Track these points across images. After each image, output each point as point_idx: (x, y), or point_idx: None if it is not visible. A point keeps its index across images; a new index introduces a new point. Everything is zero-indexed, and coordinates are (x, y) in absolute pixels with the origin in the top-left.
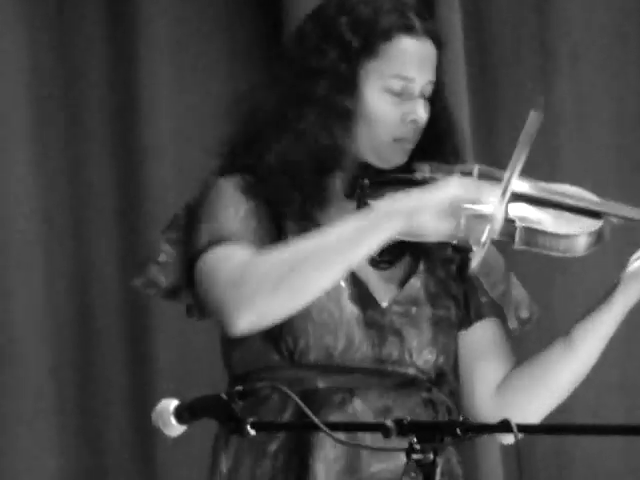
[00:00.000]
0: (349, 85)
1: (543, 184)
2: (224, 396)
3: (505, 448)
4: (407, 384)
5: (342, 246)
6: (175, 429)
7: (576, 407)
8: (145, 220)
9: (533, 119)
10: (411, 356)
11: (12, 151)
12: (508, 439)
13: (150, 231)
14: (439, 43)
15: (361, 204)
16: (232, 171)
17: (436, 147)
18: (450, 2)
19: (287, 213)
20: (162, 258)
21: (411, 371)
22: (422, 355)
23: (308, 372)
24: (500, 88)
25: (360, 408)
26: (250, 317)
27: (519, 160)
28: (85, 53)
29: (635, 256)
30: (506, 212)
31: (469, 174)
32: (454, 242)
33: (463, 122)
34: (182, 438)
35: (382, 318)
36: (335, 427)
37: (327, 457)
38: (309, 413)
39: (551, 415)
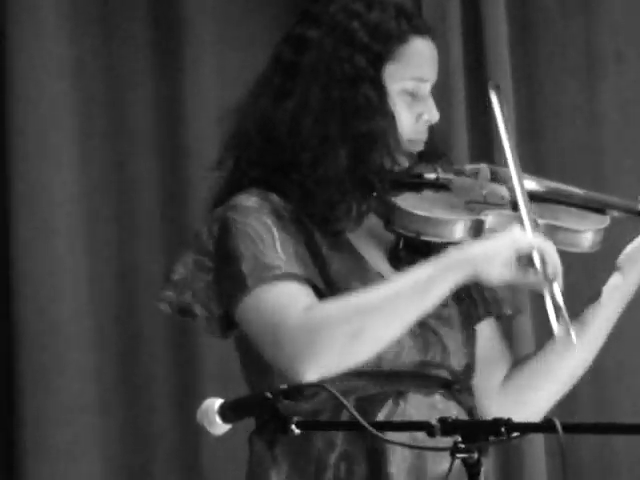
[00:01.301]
0: (383, 89)
1: (546, 181)
2: (269, 395)
3: (549, 445)
4: (447, 386)
5: (414, 295)
6: (220, 428)
7: (622, 407)
8: (189, 218)
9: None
10: (449, 358)
11: (57, 151)
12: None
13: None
14: (435, 41)
15: (378, 205)
16: (254, 184)
17: (428, 152)
18: (495, 3)
19: (318, 229)
20: (196, 284)
21: (443, 374)
22: (457, 357)
23: (359, 381)
24: (545, 89)
25: (413, 411)
26: (321, 370)
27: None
28: (129, 53)
29: (630, 245)
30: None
31: (476, 173)
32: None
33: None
34: (226, 437)
35: (423, 321)
36: (382, 427)
37: (396, 456)
38: (352, 411)
39: (596, 413)
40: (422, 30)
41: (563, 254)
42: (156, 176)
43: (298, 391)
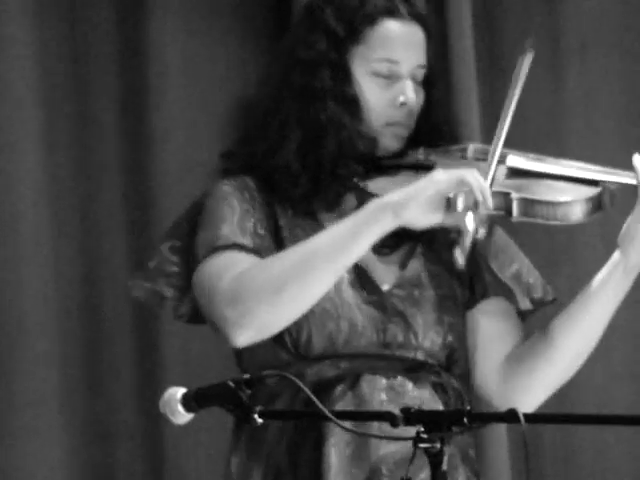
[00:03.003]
0: (344, 73)
1: (540, 156)
2: (231, 384)
3: (512, 437)
4: (416, 368)
5: (336, 248)
6: (182, 417)
7: (583, 397)
8: (154, 209)
9: (522, 63)
10: (416, 338)
11: (21, 139)
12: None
13: (159, 221)
14: (427, 28)
15: (357, 191)
16: (235, 173)
17: (434, 137)
18: None
19: (289, 213)
20: (169, 268)
21: (420, 355)
22: (428, 336)
23: (316, 365)
24: (509, 79)
25: (367, 391)
26: (250, 332)
27: (504, 126)
28: (94, 42)
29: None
30: (497, 190)
31: (464, 153)
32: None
33: (472, 112)
34: (190, 426)
35: (384, 302)
36: (343, 416)
37: (338, 443)
38: (316, 401)
39: (558, 405)
40: (397, 12)
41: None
42: (121, 164)
43: (260, 380)
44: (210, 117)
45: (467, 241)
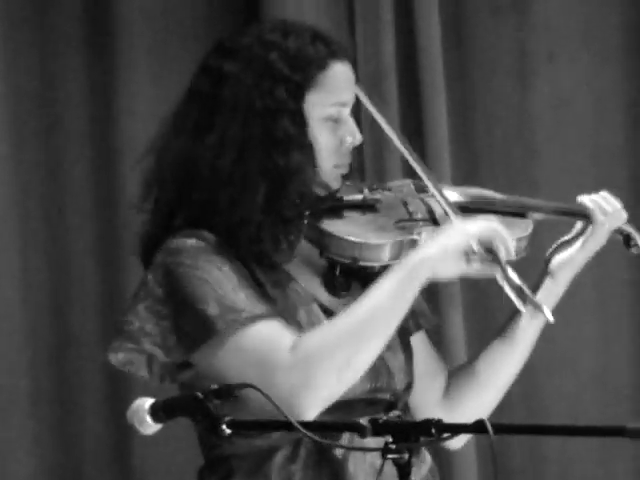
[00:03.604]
0: (302, 120)
1: (466, 189)
2: (200, 395)
3: (480, 449)
4: (389, 408)
5: (390, 309)
6: (150, 427)
7: (552, 407)
8: (122, 218)
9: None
10: (393, 380)
11: None
12: (458, 444)
13: (127, 229)
14: (352, 61)
15: (311, 233)
16: (182, 226)
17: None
18: (428, 4)
19: (259, 268)
20: (154, 330)
21: (387, 396)
22: (400, 379)
23: None
24: (477, 89)
25: (368, 437)
26: (321, 404)
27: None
28: (63, 50)
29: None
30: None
31: (402, 189)
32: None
33: (440, 121)
34: (158, 436)
35: None
36: (311, 427)
37: None
38: (284, 413)
39: (527, 415)
40: (339, 54)
41: None
42: (88, 174)
43: (229, 391)
44: None
45: (526, 289)
